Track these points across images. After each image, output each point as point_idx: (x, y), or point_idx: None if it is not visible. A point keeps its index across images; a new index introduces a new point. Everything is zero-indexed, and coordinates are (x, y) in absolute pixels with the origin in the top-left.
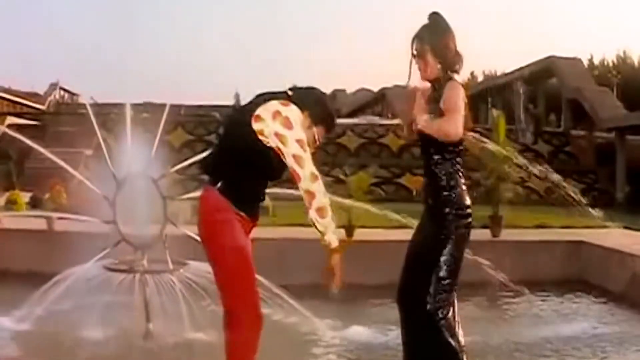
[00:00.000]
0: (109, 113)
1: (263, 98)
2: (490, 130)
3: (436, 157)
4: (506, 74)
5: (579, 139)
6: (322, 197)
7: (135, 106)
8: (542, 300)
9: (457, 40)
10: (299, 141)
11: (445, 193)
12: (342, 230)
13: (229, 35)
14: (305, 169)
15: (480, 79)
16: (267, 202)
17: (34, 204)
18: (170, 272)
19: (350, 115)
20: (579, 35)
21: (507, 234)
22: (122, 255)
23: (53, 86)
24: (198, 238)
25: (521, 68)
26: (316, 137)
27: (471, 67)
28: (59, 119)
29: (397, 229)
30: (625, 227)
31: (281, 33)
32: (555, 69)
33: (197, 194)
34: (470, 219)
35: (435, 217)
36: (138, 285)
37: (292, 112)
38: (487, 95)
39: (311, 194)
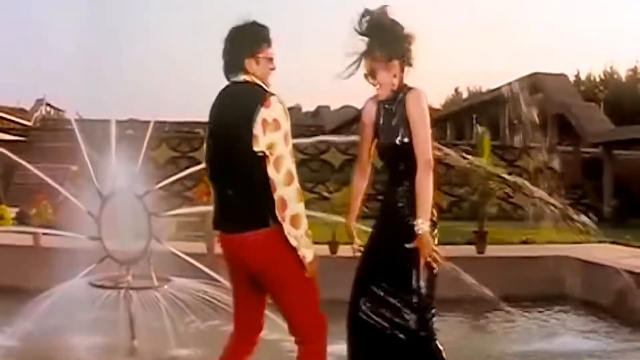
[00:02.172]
0: (94, 129)
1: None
2: (475, 146)
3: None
4: (491, 91)
5: (564, 154)
6: (294, 204)
7: (120, 123)
8: (525, 316)
9: (442, 56)
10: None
11: None
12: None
13: (211, 50)
14: (282, 169)
15: (465, 95)
16: None
17: (21, 219)
18: (155, 289)
19: (334, 131)
20: (565, 51)
21: (492, 250)
22: (108, 272)
23: (39, 102)
24: (182, 255)
25: (507, 84)
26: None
27: (456, 84)
28: (45, 135)
29: None
30: (613, 242)
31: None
32: (541, 85)
33: (182, 210)
34: None
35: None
36: (123, 302)
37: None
38: (471, 112)
39: (283, 202)
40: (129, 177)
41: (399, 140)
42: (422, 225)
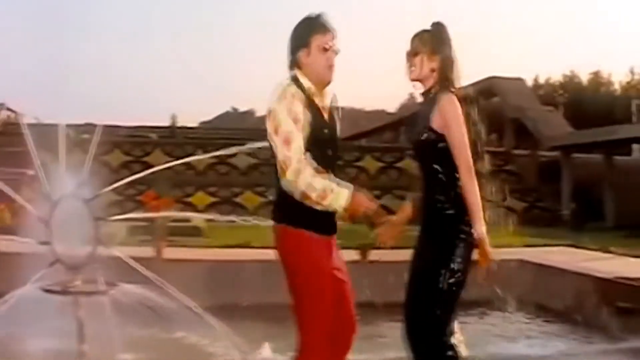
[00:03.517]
0: (49, 133)
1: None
2: None
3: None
4: None
5: (521, 157)
6: (313, 188)
7: (77, 127)
8: (478, 321)
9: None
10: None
11: None
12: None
13: (169, 54)
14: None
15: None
16: (202, 223)
17: None
18: (101, 293)
19: None
20: (524, 56)
21: None
22: (59, 276)
23: (0, 106)
24: (128, 259)
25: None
26: None
27: (411, 89)
28: (4, 140)
29: None
30: (570, 245)
31: (223, 51)
32: (497, 89)
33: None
34: None
35: None
36: (71, 306)
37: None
38: None
39: (304, 194)
40: (78, 181)
41: (425, 137)
42: (478, 231)
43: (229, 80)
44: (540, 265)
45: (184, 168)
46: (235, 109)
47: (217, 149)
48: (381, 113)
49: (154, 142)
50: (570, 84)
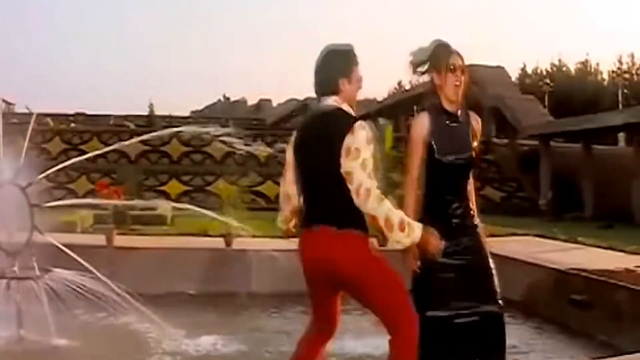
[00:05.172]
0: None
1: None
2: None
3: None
4: (424, 84)
5: (501, 146)
6: (380, 212)
7: (66, 117)
8: None
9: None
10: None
11: None
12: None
13: (150, 41)
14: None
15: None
16: (167, 211)
17: None
18: (35, 279)
19: (274, 124)
20: (511, 45)
21: None
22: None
23: None
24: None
25: None
26: None
27: (400, 77)
28: None
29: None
30: (538, 235)
31: (206, 40)
32: (476, 77)
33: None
34: None
35: None
36: (9, 292)
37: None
38: (409, 105)
39: (372, 217)
40: (15, 169)
41: (472, 156)
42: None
43: (221, 70)
44: (495, 255)
45: (158, 156)
46: (227, 98)
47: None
48: (372, 102)
49: (131, 131)
50: (558, 74)
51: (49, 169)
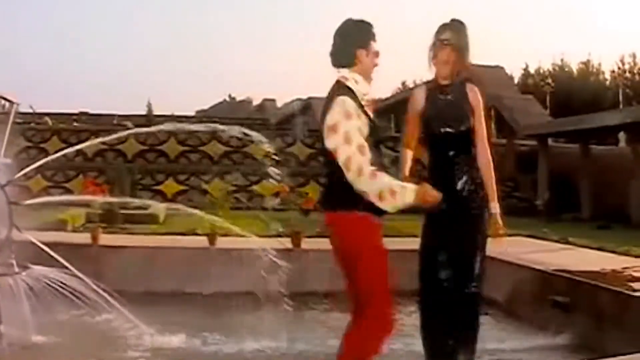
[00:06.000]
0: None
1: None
2: None
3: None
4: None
5: (498, 146)
6: (371, 188)
7: (70, 116)
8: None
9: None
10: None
11: None
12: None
13: (155, 42)
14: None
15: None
16: (160, 211)
17: None
18: (13, 275)
19: (278, 124)
20: (515, 45)
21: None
22: None
23: None
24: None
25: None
26: None
27: (402, 77)
28: None
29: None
30: (529, 236)
31: (206, 40)
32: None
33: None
34: None
35: None
36: None
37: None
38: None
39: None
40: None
41: (465, 127)
42: (495, 206)
43: (226, 70)
44: None
45: (155, 156)
46: (232, 98)
47: (189, 137)
48: (377, 101)
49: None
50: (560, 74)
51: (27, 167)
